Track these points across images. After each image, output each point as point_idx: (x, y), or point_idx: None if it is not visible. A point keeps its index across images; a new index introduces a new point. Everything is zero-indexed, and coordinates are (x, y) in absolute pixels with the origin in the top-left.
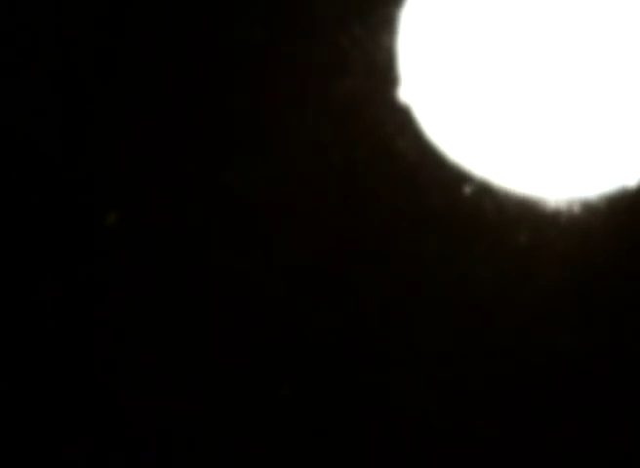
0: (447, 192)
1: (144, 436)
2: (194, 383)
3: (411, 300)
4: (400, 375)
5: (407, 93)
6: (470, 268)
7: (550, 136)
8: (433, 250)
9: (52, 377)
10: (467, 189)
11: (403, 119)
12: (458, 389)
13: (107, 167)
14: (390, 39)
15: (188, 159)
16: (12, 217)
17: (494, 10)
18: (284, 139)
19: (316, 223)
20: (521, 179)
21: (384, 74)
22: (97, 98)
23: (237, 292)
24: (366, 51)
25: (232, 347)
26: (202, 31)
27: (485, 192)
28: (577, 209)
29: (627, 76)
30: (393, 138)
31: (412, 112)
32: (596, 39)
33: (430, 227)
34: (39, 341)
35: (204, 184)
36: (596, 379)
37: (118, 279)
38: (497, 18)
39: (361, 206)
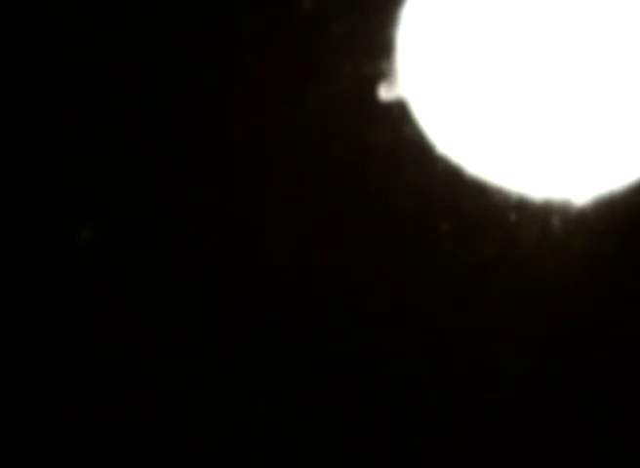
0: (445, 191)
1: (121, 450)
2: (173, 395)
3: (409, 300)
4: (395, 379)
5: (406, 91)
6: (469, 268)
7: (548, 136)
8: (430, 249)
9: (26, 391)
10: (465, 188)
11: (403, 118)
12: (457, 390)
13: (88, 175)
14: (390, 37)
15: (183, 162)
16: None
17: (493, 9)
18: (283, 139)
19: (315, 223)
20: (518, 179)
21: (383, 72)
22: (75, 109)
23: (230, 295)
24: (365, 49)
25: (215, 358)
26: (201, 31)
27: (483, 191)
28: (573, 209)
29: (626, 76)
30: (392, 137)
31: (411, 111)
32: (596, 37)
33: (429, 227)
34: (12, 357)
35: (199, 191)
36: (597, 381)
37: (101, 292)
38: (496, 17)
39: (360, 204)
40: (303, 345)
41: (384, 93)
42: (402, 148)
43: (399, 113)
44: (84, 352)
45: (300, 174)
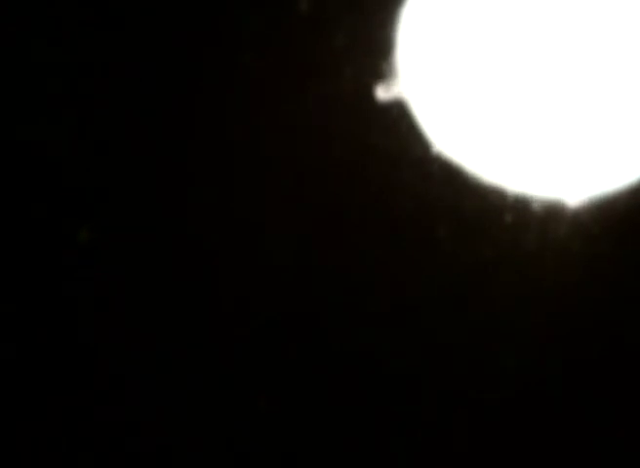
0: (445, 191)
1: (121, 450)
2: (173, 395)
3: (409, 300)
4: (395, 379)
5: (406, 91)
6: (469, 268)
7: (548, 136)
8: (430, 249)
9: (27, 391)
10: (465, 188)
11: (403, 118)
12: (457, 390)
13: (87, 175)
14: (390, 37)
15: (183, 162)
16: None
17: (493, 9)
18: (283, 139)
19: (315, 223)
20: (518, 179)
21: (383, 72)
22: (75, 109)
23: (230, 295)
24: (365, 49)
25: (215, 358)
26: (201, 31)
27: (482, 191)
28: (573, 209)
29: (626, 76)
30: (392, 137)
31: (411, 111)
32: (595, 38)
33: (428, 227)
34: (12, 357)
35: (199, 191)
36: (596, 381)
37: (96, 296)
38: (496, 17)
39: (360, 204)
40: (303, 345)
41: (384, 93)
42: (402, 148)
43: (399, 113)
44: (84, 352)
45: (300, 174)
